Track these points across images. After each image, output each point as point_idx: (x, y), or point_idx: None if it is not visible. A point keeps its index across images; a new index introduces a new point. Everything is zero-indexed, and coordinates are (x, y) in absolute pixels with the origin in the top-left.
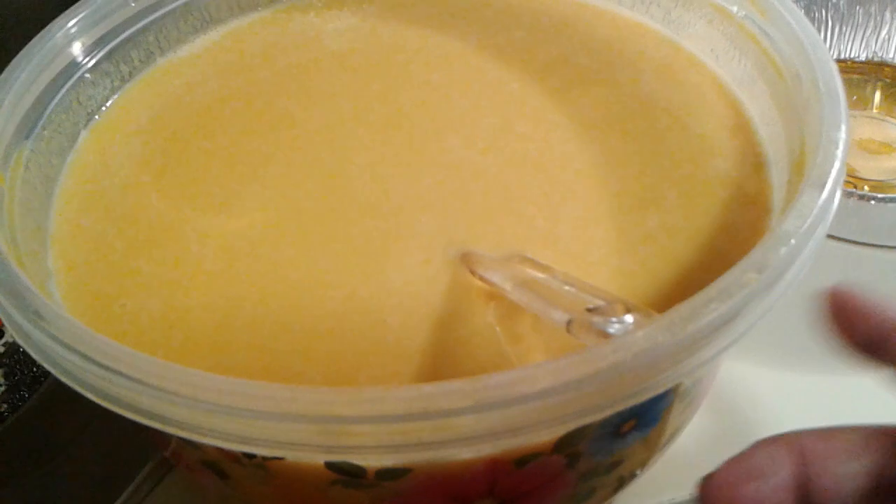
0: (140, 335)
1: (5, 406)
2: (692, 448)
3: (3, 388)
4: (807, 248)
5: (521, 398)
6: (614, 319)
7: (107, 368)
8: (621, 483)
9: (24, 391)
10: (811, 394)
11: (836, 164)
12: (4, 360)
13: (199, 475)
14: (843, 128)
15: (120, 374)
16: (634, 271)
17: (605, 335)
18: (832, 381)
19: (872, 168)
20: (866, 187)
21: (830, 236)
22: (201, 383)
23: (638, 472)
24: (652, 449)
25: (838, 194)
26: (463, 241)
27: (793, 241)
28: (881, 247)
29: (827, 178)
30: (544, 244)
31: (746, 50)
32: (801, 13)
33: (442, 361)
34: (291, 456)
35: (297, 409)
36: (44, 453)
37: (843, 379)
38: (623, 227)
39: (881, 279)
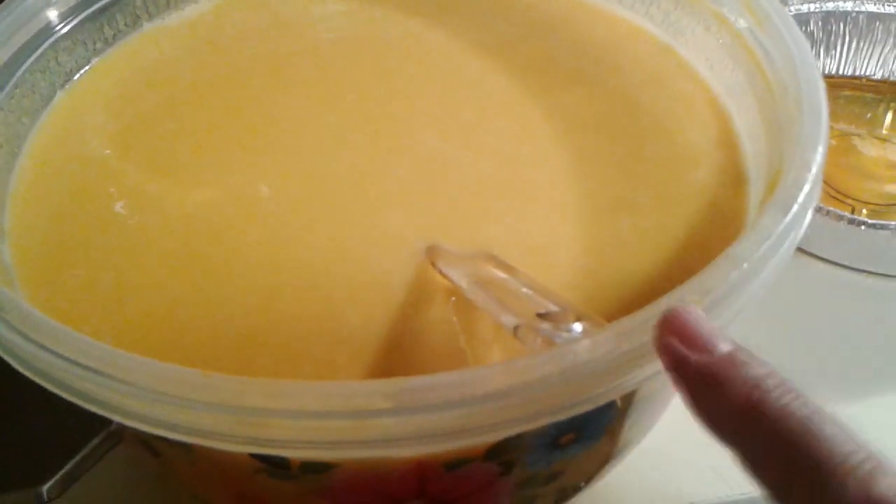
0: (89, 307)
1: None
2: (653, 460)
3: None
4: (762, 274)
5: (443, 404)
6: (563, 327)
7: (23, 336)
8: (564, 494)
9: None
10: None
11: (806, 187)
12: None
13: (138, 451)
14: (820, 149)
15: (34, 342)
16: (599, 274)
17: (551, 343)
18: None
19: (874, 191)
20: (865, 210)
21: (820, 258)
22: (120, 363)
23: (582, 484)
24: (598, 462)
25: (808, 218)
26: (431, 235)
27: (745, 265)
28: (870, 273)
29: (794, 201)
30: (512, 241)
31: (740, 60)
32: (796, 27)
33: (396, 355)
34: (210, 444)
35: (213, 397)
36: None
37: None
38: (593, 228)
39: (867, 306)
